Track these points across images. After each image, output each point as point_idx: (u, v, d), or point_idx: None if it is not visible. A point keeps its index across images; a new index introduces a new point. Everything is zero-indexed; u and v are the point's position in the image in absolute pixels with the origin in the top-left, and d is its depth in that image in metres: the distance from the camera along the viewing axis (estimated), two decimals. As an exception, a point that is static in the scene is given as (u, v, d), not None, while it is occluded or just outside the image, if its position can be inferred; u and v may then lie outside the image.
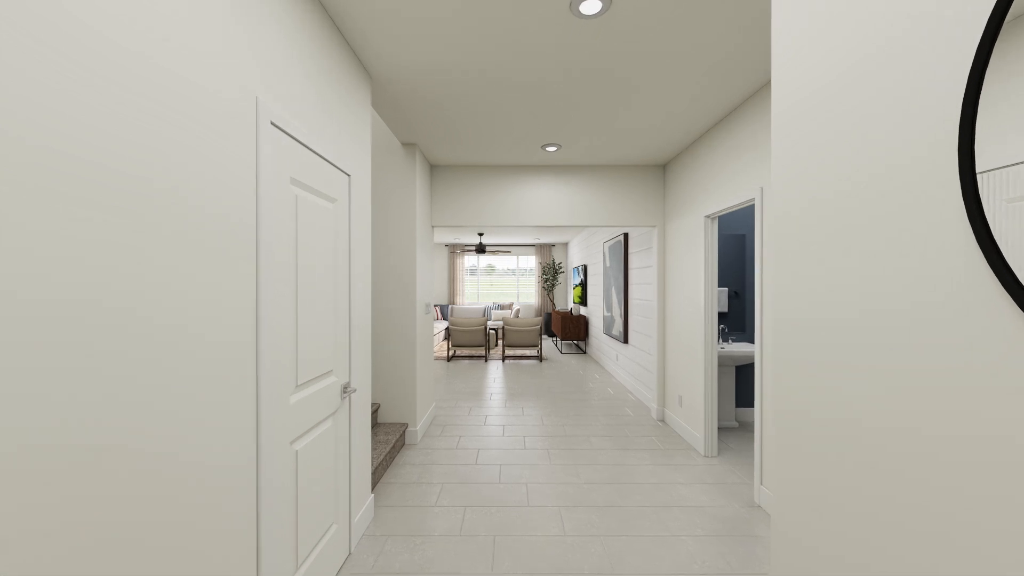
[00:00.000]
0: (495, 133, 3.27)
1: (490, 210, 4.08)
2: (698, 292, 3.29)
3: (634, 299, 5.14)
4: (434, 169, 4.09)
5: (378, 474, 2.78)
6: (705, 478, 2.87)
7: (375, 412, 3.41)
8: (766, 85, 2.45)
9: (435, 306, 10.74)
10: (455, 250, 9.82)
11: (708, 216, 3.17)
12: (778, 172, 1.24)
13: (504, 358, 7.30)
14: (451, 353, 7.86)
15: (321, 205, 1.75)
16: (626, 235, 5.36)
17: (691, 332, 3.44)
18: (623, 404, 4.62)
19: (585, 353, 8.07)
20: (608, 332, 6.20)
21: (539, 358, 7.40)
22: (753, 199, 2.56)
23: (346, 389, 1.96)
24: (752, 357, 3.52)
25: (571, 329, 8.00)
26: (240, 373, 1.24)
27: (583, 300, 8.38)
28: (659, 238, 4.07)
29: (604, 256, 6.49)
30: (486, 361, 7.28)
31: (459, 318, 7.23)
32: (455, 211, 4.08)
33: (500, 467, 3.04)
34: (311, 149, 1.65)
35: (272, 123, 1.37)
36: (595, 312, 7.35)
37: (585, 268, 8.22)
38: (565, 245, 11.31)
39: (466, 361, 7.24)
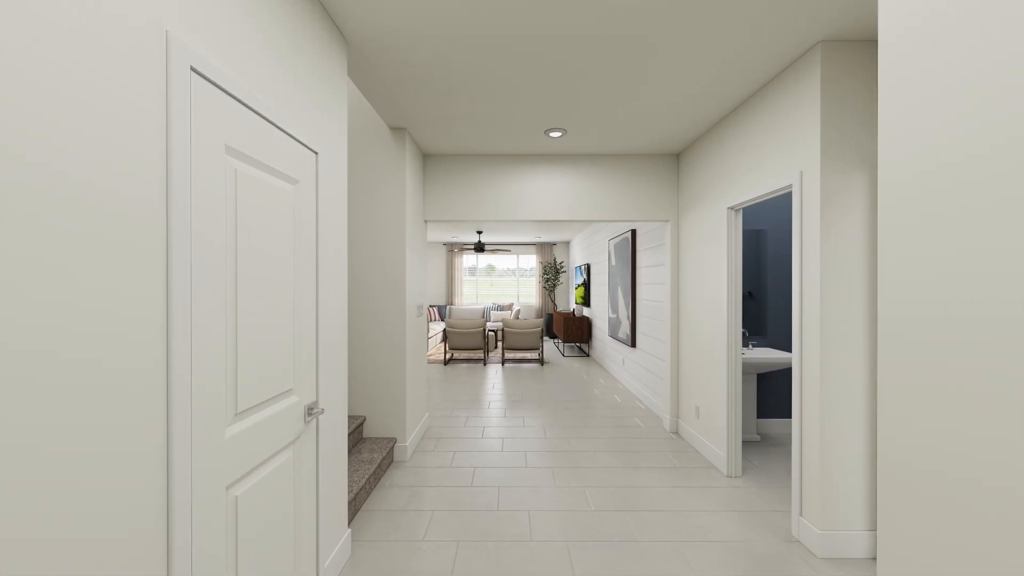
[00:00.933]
0: (494, 114, 2.93)
1: (488, 204, 3.74)
2: (719, 292, 2.96)
3: (643, 300, 4.80)
4: (427, 159, 3.75)
5: (359, 500, 2.44)
6: (731, 503, 2.53)
7: (359, 426, 3.07)
8: (817, 45, 2.11)
9: (432, 307, 10.41)
10: (453, 249, 9.51)
11: (732, 208, 2.84)
12: (887, 124, 0.90)
13: (504, 361, 6.97)
14: (448, 356, 7.53)
15: (275, 185, 1.41)
16: (633, 232, 5.03)
17: (710, 336, 3.10)
18: (632, 413, 4.29)
19: (588, 356, 7.74)
20: (614, 335, 5.86)
21: (540, 361, 7.06)
22: (790, 186, 2.22)
23: (312, 410, 1.62)
24: (776, 364, 3.18)
25: (574, 331, 7.67)
26: (144, 408, 0.91)
27: (586, 301, 8.05)
28: (672, 233, 3.73)
29: (609, 254, 6.15)
30: (485, 365, 6.94)
31: (456, 320, 6.89)
32: (450, 204, 3.74)
33: (498, 490, 2.70)
34: (260, 114, 1.31)
35: (194, 69, 1.03)
36: (599, 313, 7.01)
37: (588, 267, 7.88)
38: (567, 244, 10.98)
39: (464, 365, 6.90)
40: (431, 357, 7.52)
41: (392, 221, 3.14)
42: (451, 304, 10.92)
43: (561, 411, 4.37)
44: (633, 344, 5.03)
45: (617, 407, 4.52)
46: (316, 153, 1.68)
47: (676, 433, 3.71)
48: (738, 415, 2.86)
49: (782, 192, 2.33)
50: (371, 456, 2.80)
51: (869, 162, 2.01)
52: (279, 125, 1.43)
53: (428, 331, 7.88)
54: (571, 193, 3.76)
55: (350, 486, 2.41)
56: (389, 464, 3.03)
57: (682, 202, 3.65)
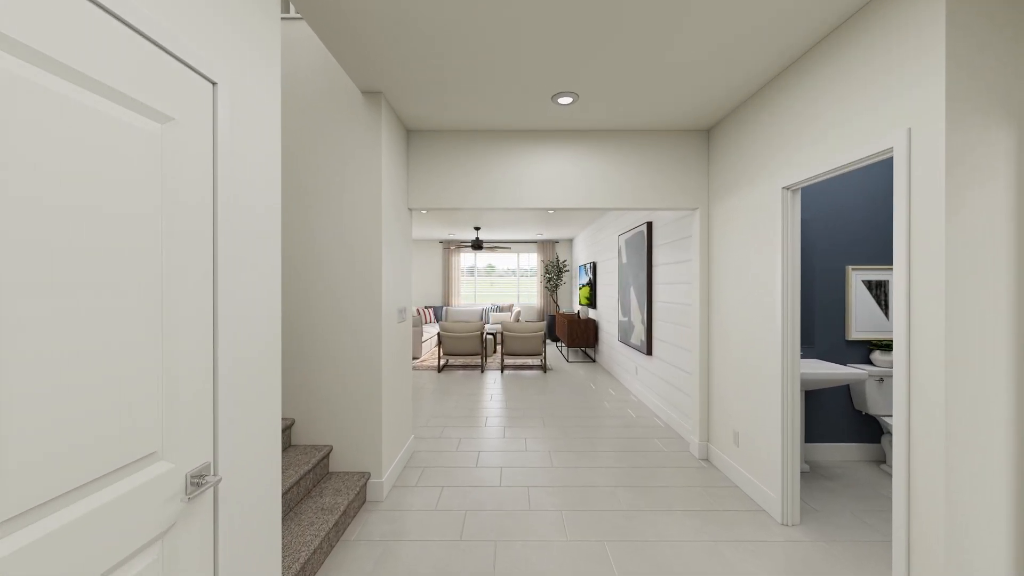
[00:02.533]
0: (492, 73, 2.36)
1: (484, 189, 3.16)
2: (770, 294, 2.38)
3: (660, 302, 4.22)
4: (412, 136, 3.17)
5: (311, 567, 1.86)
6: (795, 567, 1.95)
7: (324, 459, 2.49)
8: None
9: (427, 308, 9.84)
10: (450, 247, 8.95)
11: (788, 188, 2.26)
12: None
13: (503, 368, 6.40)
14: (443, 362, 6.95)
15: (116, 119, 0.83)
16: (649, 225, 4.45)
17: (754, 347, 2.52)
18: (650, 432, 3.70)
19: (595, 362, 7.16)
20: (625, 340, 5.28)
21: (543, 368, 6.48)
22: (889, 150, 1.64)
23: (200, 479, 1.04)
24: (834, 380, 2.61)
25: (579, 335, 7.09)
26: None
27: (591, 302, 7.47)
28: (701, 224, 3.15)
29: (619, 251, 5.57)
30: (482, 372, 6.36)
31: (452, 323, 6.31)
32: (439, 190, 3.16)
33: (495, 545, 2.12)
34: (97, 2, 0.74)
35: None
36: (607, 316, 6.44)
37: (594, 266, 7.30)
38: (570, 242, 10.40)
39: (460, 372, 6.32)
40: (424, 363, 6.94)
41: (365, 208, 2.56)
42: (448, 305, 10.34)
43: (569, 429, 3.79)
44: (648, 352, 4.45)
45: (632, 424, 3.94)
46: (214, 84, 1.10)
47: (707, 460, 3.13)
48: (795, 448, 2.28)
49: (875, 160, 1.75)
50: (334, 501, 2.22)
51: (1017, 113, 1.43)
52: (137, 28, 0.85)
53: (422, 335, 7.31)
54: (582, 177, 3.18)
55: (300, 549, 1.83)
56: (360, 506, 2.45)
57: (714, 187, 3.07)
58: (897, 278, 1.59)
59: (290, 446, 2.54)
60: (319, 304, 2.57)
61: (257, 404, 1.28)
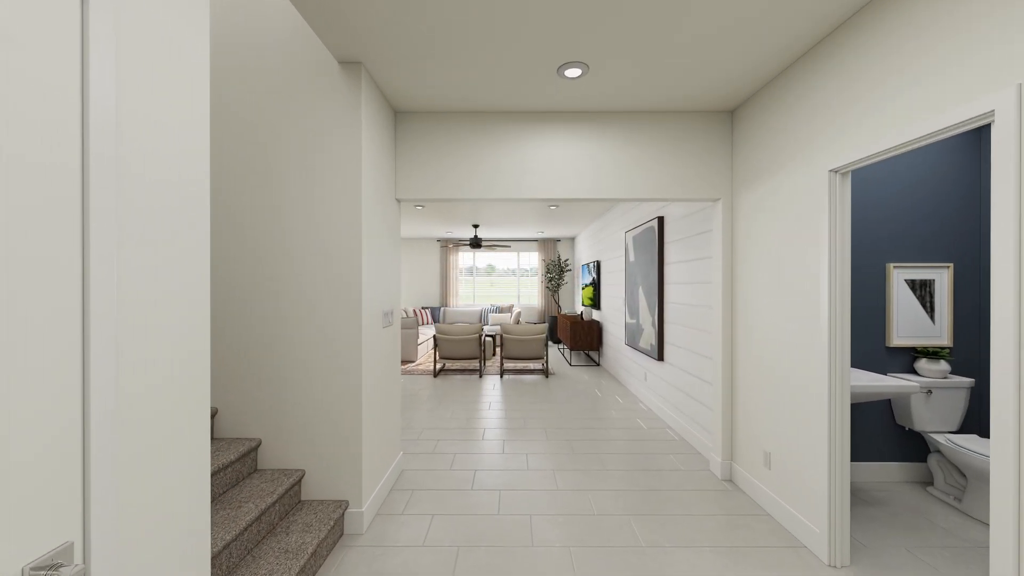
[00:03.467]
0: (492, 34, 2.02)
1: (482, 178, 2.83)
2: (812, 294, 2.05)
3: (673, 303, 3.88)
4: (401, 119, 2.84)
5: (268, 629, 1.53)
6: (855, 627, 1.61)
7: (295, 485, 2.16)
8: None
9: (425, 309, 9.51)
10: (447, 245, 8.62)
11: (836, 170, 1.92)
12: None
13: (502, 372, 6.06)
14: (439, 367, 6.61)
15: None
16: (660, 219, 4.11)
17: (790, 355, 2.19)
18: (664, 447, 3.37)
19: (599, 365, 6.83)
20: (633, 344, 4.95)
21: (545, 373, 6.15)
22: (989, 113, 1.31)
23: (53, 572, 0.70)
24: (885, 393, 2.27)
25: (582, 337, 6.76)
26: None
27: (595, 303, 7.14)
28: (724, 217, 2.82)
29: (626, 249, 5.24)
30: (481, 376, 6.03)
31: (448, 325, 5.97)
32: (431, 180, 2.82)
33: (492, 594, 1.78)
34: None
35: None
36: (612, 318, 6.10)
37: (598, 265, 6.97)
38: (572, 240, 10.07)
39: (457, 377, 5.99)
40: (420, 367, 6.61)
41: (342, 198, 2.22)
42: (445, 306, 10.01)
43: (574, 443, 3.46)
44: (659, 357, 4.11)
45: (643, 437, 3.60)
46: (84, -6, 0.76)
47: (731, 482, 2.79)
48: (844, 476, 1.95)
49: (963, 128, 1.41)
50: (302, 540, 1.88)
51: None
52: None
53: (418, 337, 6.97)
54: (591, 164, 2.84)
55: (252, 607, 1.50)
56: (336, 541, 2.11)
57: (740, 174, 2.73)
58: (999, 275, 1.25)
59: (255, 471, 2.20)
60: (290, 308, 2.23)
61: (166, 448, 0.94)
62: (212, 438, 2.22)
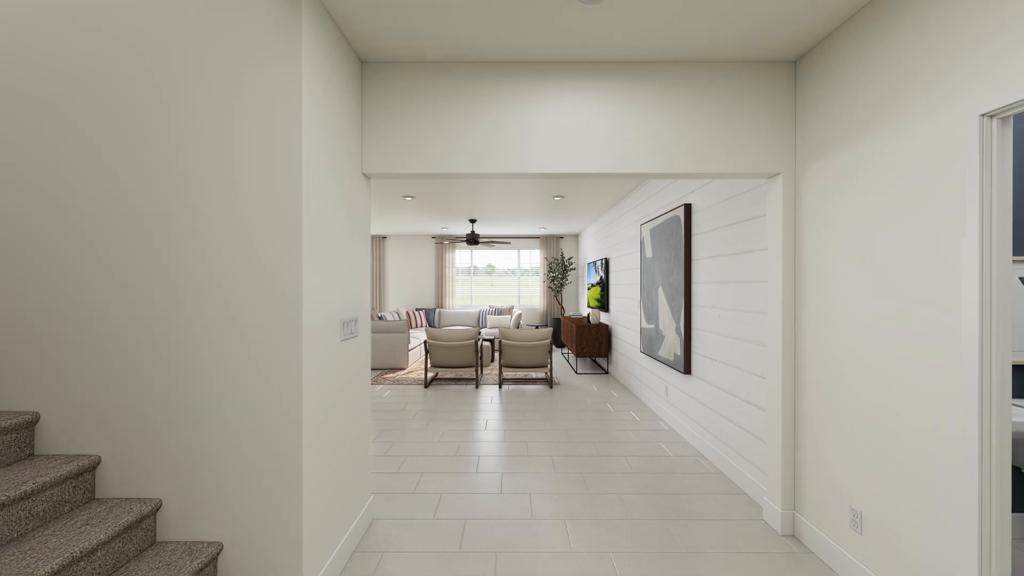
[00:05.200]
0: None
1: (474, 147, 2.20)
2: (949, 294, 1.42)
3: (703, 306, 3.26)
4: (369, 71, 2.21)
5: None
6: None
7: (209, 565, 1.53)
8: None
9: (419, 311, 8.89)
10: (443, 242, 8.01)
11: (992, 115, 1.30)
12: None
13: (501, 382, 5.43)
14: (430, 376, 5.98)
15: None
16: (687, 207, 3.49)
17: (901, 382, 1.57)
18: (700, 484, 2.74)
19: (607, 373, 6.20)
20: (650, 352, 4.32)
21: (549, 382, 5.52)
22: None
23: None
24: None
25: (589, 342, 6.13)
26: None
27: (603, 304, 6.52)
28: (785, 197, 2.19)
29: (642, 244, 4.61)
30: (477, 387, 5.40)
31: (441, 330, 5.35)
32: (410, 149, 2.20)
33: None
34: None
35: None
36: (623, 321, 5.48)
37: (606, 262, 6.35)
38: (576, 237, 9.45)
39: (451, 388, 5.36)
40: (410, 375, 5.98)
41: (274, 170, 1.59)
42: (441, 307, 9.39)
43: (588, 477, 2.83)
44: (686, 370, 3.48)
45: (671, 468, 2.97)
46: None
47: (794, 538, 2.16)
48: (1004, 559, 1.32)
49: None
50: (196, 669, 1.25)
51: None
52: None
53: (408, 341, 6.35)
54: (614, 129, 2.21)
55: None
56: (261, 651, 1.48)
57: (808, 142, 2.11)
58: None
59: (151, 546, 1.57)
60: (200, 319, 1.60)
61: None
62: (92, 498, 1.59)
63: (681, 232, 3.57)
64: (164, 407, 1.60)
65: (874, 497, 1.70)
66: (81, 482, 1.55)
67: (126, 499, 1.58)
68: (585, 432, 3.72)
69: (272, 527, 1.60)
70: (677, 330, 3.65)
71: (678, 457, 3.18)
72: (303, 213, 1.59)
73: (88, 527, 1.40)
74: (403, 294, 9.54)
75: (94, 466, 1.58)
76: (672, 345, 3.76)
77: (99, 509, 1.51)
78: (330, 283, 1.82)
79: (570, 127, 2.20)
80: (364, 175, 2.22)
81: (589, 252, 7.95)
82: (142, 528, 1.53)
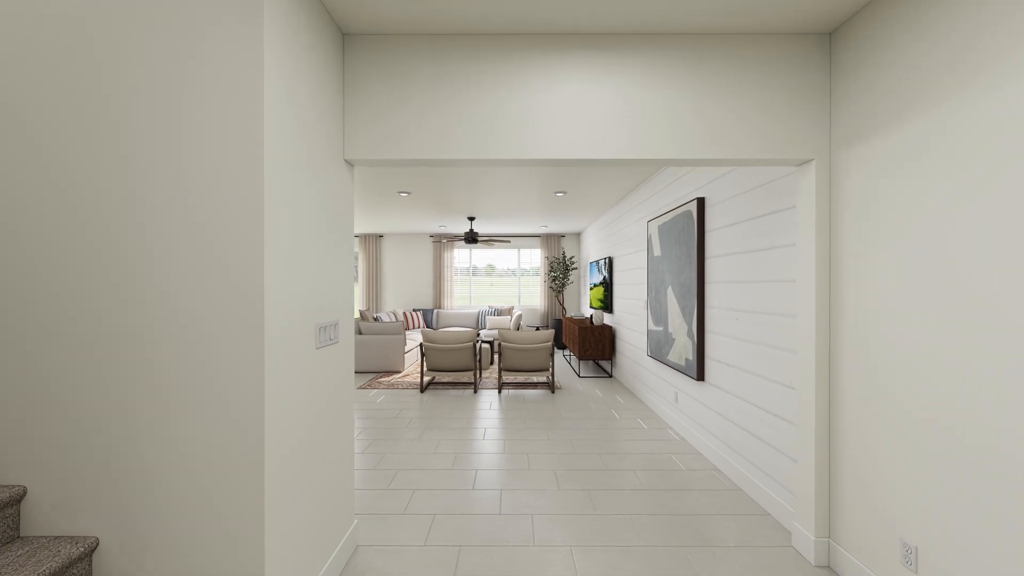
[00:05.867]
0: None
1: (471, 131, 1.96)
2: (1037, 302, 1.18)
3: (718, 308, 3.02)
4: (352, 44, 1.97)
5: None
6: None
7: (150, 621, 1.29)
8: None
9: (416, 312, 8.66)
10: (441, 240, 7.78)
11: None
12: None
13: (501, 387, 5.18)
14: (426, 380, 5.74)
15: None
16: (700, 201, 3.25)
17: (977, 400, 1.33)
18: (718, 502, 2.50)
19: (611, 376, 5.96)
20: (658, 356, 4.08)
21: (550, 387, 5.28)
22: None
23: None
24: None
25: (592, 344, 5.89)
26: None
27: (606, 305, 6.28)
28: (819, 185, 1.95)
29: (649, 242, 4.37)
30: (475, 391, 5.16)
31: (437, 332, 5.11)
32: (398, 133, 1.95)
33: None
34: None
35: None
36: (628, 323, 5.24)
37: (610, 261, 6.11)
38: (578, 235, 9.21)
39: (448, 392, 5.11)
40: (406, 378, 5.74)
41: (229, 155, 1.35)
42: (439, 308, 9.15)
43: (595, 494, 2.59)
44: (699, 376, 3.24)
45: (685, 484, 2.73)
46: None
47: (829, 568, 1.92)
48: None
49: None
50: None
51: None
52: None
53: (404, 343, 6.12)
54: (627, 111, 1.97)
55: None
56: None
57: (847, 122, 1.86)
58: None
59: (85, 595, 1.33)
60: (145, 325, 1.36)
61: None
62: (16, 536, 1.35)
63: (693, 228, 3.33)
64: (101, 431, 1.36)
65: (933, 530, 1.46)
66: (2, 517, 1.31)
67: (56, 537, 1.34)
68: (590, 442, 3.48)
69: (230, 569, 1.35)
70: (689, 333, 3.41)
71: (692, 471, 2.94)
72: (265, 203, 1.35)
73: (22, 568, 1.16)
74: (400, 295, 9.30)
75: (18, 498, 1.34)
76: (683, 349, 3.52)
77: (22, 551, 1.27)
78: (302, 283, 1.58)
79: (578, 107, 1.96)
80: (346, 162, 1.98)
81: (591, 251, 7.71)
82: (74, 573, 1.29)
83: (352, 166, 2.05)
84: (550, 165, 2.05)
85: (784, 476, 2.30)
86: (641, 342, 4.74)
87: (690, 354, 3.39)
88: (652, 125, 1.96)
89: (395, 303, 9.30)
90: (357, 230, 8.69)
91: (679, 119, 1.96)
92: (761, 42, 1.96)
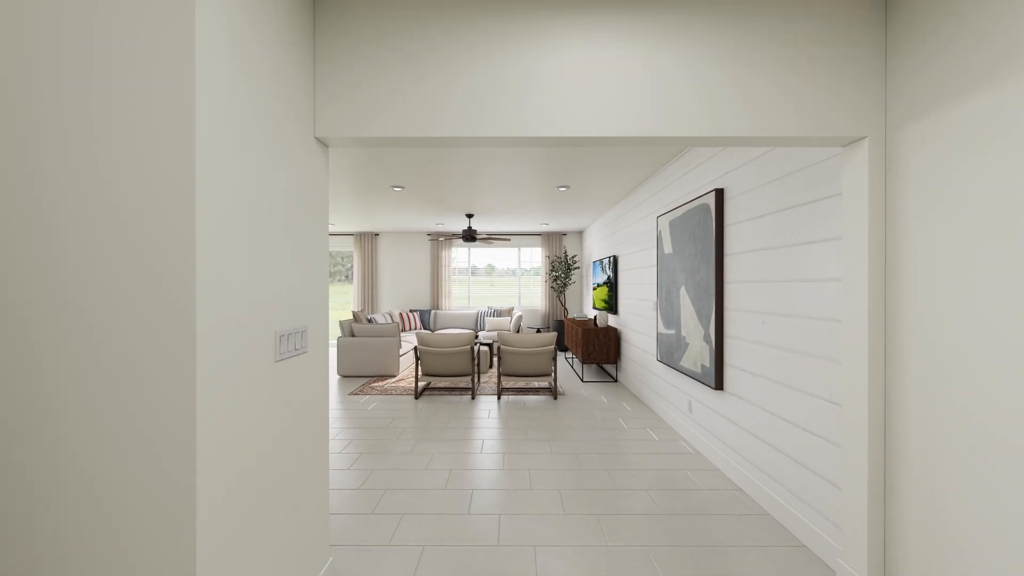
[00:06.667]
0: None
1: (461, 103, 1.67)
2: None
3: (739, 310, 2.74)
4: (320, 6, 1.68)
5: None
6: None
7: None
8: None
9: (413, 312, 8.37)
10: (438, 239, 7.48)
11: None
12: None
13: (500, 392, 4.89)
14: (421, 385, 5.45)
15: None
16: (718, 193, 2.96)
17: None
18: (744, 530, 2.21)
19: (616, 381, 5.67)
20: (670, 361, 3.80)
21: (553, 392, 4.99)
22: None
23: None
24: None
25: (596, 347, 5.61)
26: None
27: (610, 306, 6.00)
28: (872, 168, 1.66)
29: (659, 239, 4.08)
30: (473, 398, 4.87)
31: (432, 335, 4.82)
32: (377, 106, 1.66)
33: None
34: None
35: None
36: (635, 325, 4.95)
37: (614, 260, 5.82)
38: (580, 234, 8.93)
39: (444, 399, 4.82)
40: (400, 383, 5.45)
41: (151, 124, 1.06)
42: (437, 309, 8.87)
43: (604, 520, 2.30)
44: (717, 385, 2.96)
45: (705, 507, 2.44)
46: None
47: (886, 619, 1.64)
48: None
49: None
50: None
51: None
52: None
53: (399, 346, 5.83)
54: (646, 80, 1.68)
55: None
56: None
57: (909, 92, 1.58)
58: None
59: None
60: (46, 342, 1.07)
61: None
62: None
63: (710, 222, 3.04)
64: (-12, 469, 1.07)
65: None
66: None
67: (-69, 607, 1.05)
68: (597, 456, 3.19)
69: (154, 646, 1.07)
70: (705, 337, 3.12)
71: (711, 491, 2.65)
72: (198, 191, 1.06)
73: None
74: (397, 295, 9.01)
75: None
76: (698, 355, 3.24)
77: None
78: (256, 284, 1.29)
79: (591, 76, 1.67)
80: (318, 140, 1.69)
81: (595, 250, 7.42)
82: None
83: (327, 147, 1.76)
84: (557, 145, 1.76)
85: (823, 503, 2.01)
86: (650, 346, 4.45)
87: (707, 360, 3.10)
88: (680, 98, 1.67)
89: (391, 304, 9.01)
90: (351, 228, 8.40)
91: (711, 91, 1.67)
92: (810, 4, 1.67)
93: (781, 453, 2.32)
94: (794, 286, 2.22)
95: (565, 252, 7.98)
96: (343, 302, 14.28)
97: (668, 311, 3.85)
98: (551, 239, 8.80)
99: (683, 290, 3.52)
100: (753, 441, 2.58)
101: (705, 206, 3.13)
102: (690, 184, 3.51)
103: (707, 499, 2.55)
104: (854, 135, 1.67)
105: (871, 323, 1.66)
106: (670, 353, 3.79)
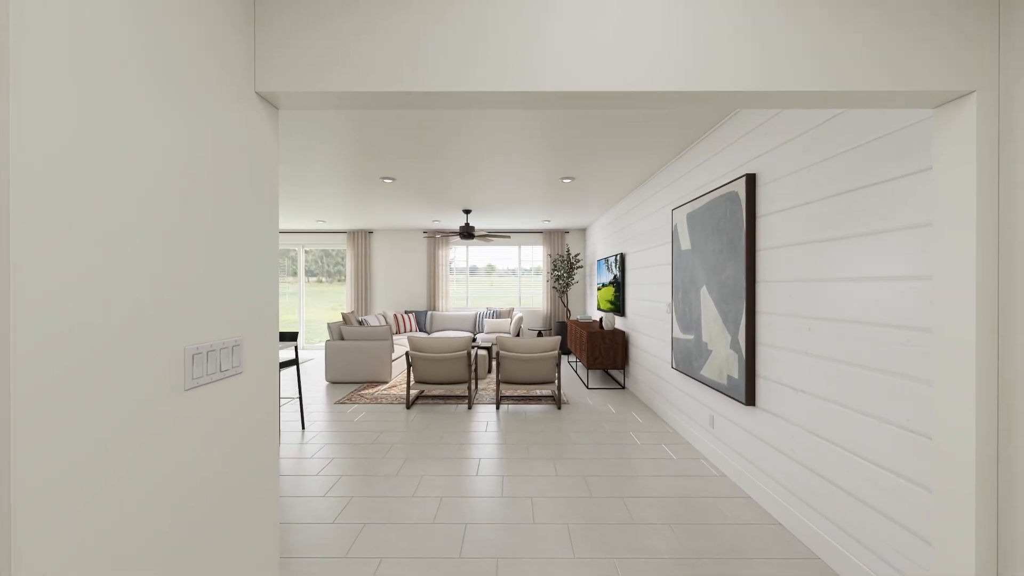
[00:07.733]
0: None
1: (442, 48, 1.28)
2: None
3: (774, 314, 2.35)
4: (269, -80, 1.29)
5: None
6: None
7: None
8: None
9: (408, 314, 7.99)
10: (435, 236, 7.09)
11: None
12: None
13: (499, 401, 4.50)
14: (414, 394, 5.07)
15: None
16: (750, 178, 2.58)
17: None
18: (793, 583, 1.83)
19: (624, 387, 5.29)
20: (688, 370, 3.41)
21: (556, 401, 4.60)
22: None
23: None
24: None
25: (603, 352, 5.22)
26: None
27: (617, 307, 5.61)
28: (979, 131, 1.28)
29: (675, 233, 3.70)
30: (470, 407, 4.48)
31: (425, 340, 4.43)
32: (335, 52, 1.27)
33: None
34: None
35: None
36: (646, 328, 4.56)
37: (622, 259, 5.44)
38: (583, 231, 8.55)
39: (438, 409, 4.43)
40: (392, 390, 5.06)
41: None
42: (433, 310, 8.48)
43: (625, 567, 1.91)
44: (749, 400, 2.57)
45: (741, 546, 2.05)
46: None
47: None
48: None
49: None
50: None
51: None
52: None
53: (392, 350, 5.45)
54: (684, 19, 1.29)
55: None
56: None
57: (1034, 29, 1.19)
58: None
59: None
60: None
61: None
62: None
63: (740, 213, 2.66)
64: None
65: None
66: None
67: None
68: (609, 480, 2.80)
69: None
70: (733, 344, 2.74)
71: (746, 526, 2.26)
72: (11, 151, 0.67)
73: None
74: (392, 295, 8.63)
75: None
76: (724, 364, 2.85)
77: None
78: (140, 281, 0.90)
79: (616, 15, 1.28)
80: (261, 96, 1.30)
81: (599, 248, 7.04)
82: None
83: (275, 108, 1.38)
84: (570, 105, 1.37)
85: (897, 554, 1.62)
86: (663, 351, 4.07)
87: (734, 371, 2.71)
88: (730, 42, 1.28)
89: (386, 304, 8.63)
90: (344, 226, 8.01)
91: (770, 34, 1.28)
92: (892, -86, 1.29)
93: (834, 486, 1.93)
94: (850, 286, 1.83)
95: (568, 250, 7.60)
96: (340, 303, 13.92)
97: (686, 314, 3.47)
98: (553, 237, 8.41)
99: (704, 290, 3.13)
100: (794, 467, 2.20)
101: (733, 195, 2.74)
102: (713, 171, 3.12)
103: (741, 536, 2.17)
104: (959, 89, 1.28)
105: (980, 334, 1.27)
106: (688, 361, 3.41)
